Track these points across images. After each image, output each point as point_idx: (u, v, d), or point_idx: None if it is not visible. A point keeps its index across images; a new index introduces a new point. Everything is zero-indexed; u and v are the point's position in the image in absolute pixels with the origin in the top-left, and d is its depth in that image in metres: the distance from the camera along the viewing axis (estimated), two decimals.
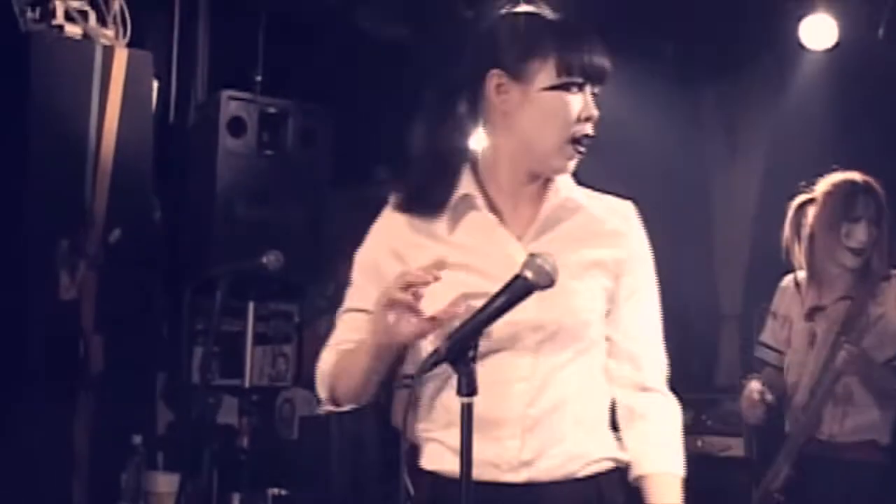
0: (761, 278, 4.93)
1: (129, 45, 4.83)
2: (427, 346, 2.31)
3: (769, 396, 3.90)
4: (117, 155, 4.68)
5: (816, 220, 3.96)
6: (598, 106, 2.30)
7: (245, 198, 5.03)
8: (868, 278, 3.90)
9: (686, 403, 6.04)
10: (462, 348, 2.02)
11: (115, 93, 4.70)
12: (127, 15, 4.86)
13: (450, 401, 2.26)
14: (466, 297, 2.19)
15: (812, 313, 3.97)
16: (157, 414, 5.20)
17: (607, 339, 2.36)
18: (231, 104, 5.05)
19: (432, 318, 2.11)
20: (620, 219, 2.37)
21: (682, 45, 6.13)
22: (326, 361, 2.36)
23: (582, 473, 2.29)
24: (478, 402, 2.03)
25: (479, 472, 2.06)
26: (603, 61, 2.28)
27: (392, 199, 2.36)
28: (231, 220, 4.98)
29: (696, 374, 6.80)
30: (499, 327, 2.09)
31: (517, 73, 2.26)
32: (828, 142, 5.80)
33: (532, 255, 2.06)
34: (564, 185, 2.34)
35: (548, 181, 2.34)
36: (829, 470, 3.87)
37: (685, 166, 6.70)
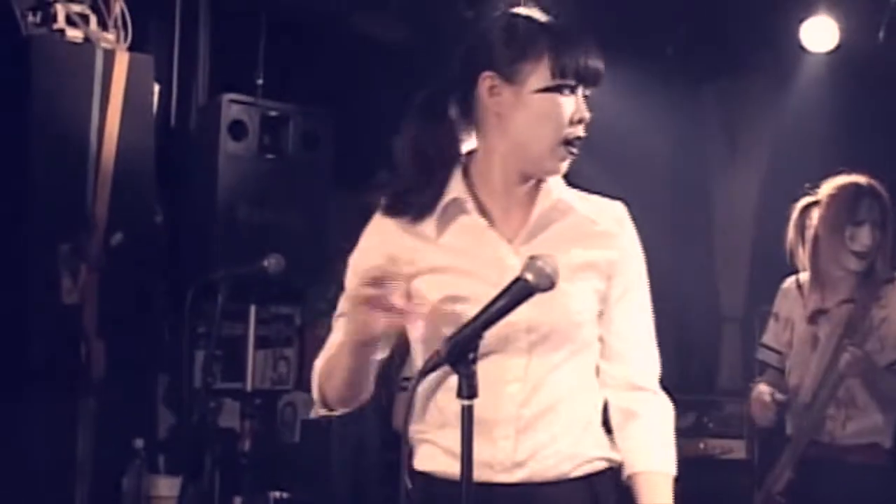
0: (763, 280, 4.93)
1: (130, 49, 4.83)
2: (420, 349, 2.32)
3: (779, 396, 3.89)
4: (118, 158, 4.68)
5: (821, 223, 3.96)
6: (591, 108, 2.30)
7: (246, 201, 5.03)
8: (871, 281, 3.89)
9: (688, 406, 6.09)
10: (462, 350, 2.02)
11: (117, 96, 4.70)
12: (128, 18, 4.86)
13: (443, 402, 2.28)
14: (457, 300, 2.21)
15: (815, 316, 3.96)
16: (158, 417, 5.20)
17: (599, 339, 2.37)
18: (232, 107, 5.05)
19: (399, 311, 2.10)
20: (612, 220, 2.37)
21: (683, 46, 6.13)
22: (317, 364, 2.36)
23: (575, 474, 2.30)
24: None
25: (473, 473, 2.06)
26: (596, 63, 2.28)
27: (381, 203, 2.36)
28: (232, 223, 4.98)
29: (698, 376, 6.80)
30: (492, 329, 2.10)
31: (510, 75, 2.26)
32: (828, 144, 5.81)
33: (532, 258, 2.06)
34: (556, 186, 2.35)
35: (539, 183, 2.34)
36: (831, 473, 3.86)
37: (686, 168, 6.71)
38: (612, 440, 2.37)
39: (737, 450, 5.98)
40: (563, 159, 2.29)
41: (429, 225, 2.31)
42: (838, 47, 5.66)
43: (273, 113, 5.15)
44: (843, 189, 3.95)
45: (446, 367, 2.05)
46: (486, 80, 2.28)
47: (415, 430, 2.34)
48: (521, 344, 2.25)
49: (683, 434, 5.85)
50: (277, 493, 4.87)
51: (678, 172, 6.70)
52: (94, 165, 4.64)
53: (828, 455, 3.87)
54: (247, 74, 5.35)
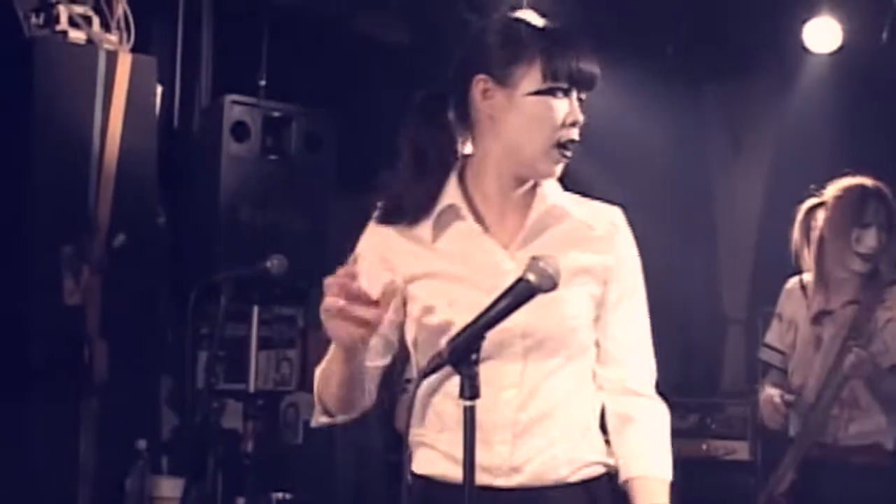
0: (766, 282, 4.92)
1: (132, 50, 4.84)
2: (417, 354, 2.32)
3: (789, 397, 3.89)
4: (121, 160, 4.68)
5: (826, 225, 3.95)
6: (587, 111, 2.30)
7: (249, 202, 5.03)
8: (876, 283, 3.89)
9: (691, 407, 6.09)
10: (464, 351, 2.02)
11: (119, 98, 4.70)
12: (131, 20, 4.86)
13: (441, 406, 2.28)
14: (452, 305, 2.21)
15: (819, 317, 3.96)
16: (161, 418, 5.20)
17: (596, 344, 2.36)
18: (235, 109, 5.06)
19: (366, 323, 2.06)
20: (608, 224, 2.37)
21: (685, 46, 6.13)
22: (316, 372, 2.36)
23: (573, 478, 2.30)
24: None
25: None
26: (590, 67, 2.27)
27: (376, 212, 2.36)
28: (235, 224, 4.99)
29: (701, 377, 6.80)
30: (487, 334, 2.09)
31: (503, 78, 2.26)
32: (831, 145, 5.80)
33: (534, 258, 2.05)
34: (551, 191, 2.34)
35: (535, 187, 2.34)
36: (834, 474, 3.86)
37: (688, 169, 6.71)
38: (609, 444, 2.37)
39: (740, 451, 5.97)
40: (556, 162, 2.28)
41: (424, 230, 2.31)
42: (841, 48, 5.65)
43: (275, 114, 5.16)
44: (848, 191, 3.94)
45: (446, 371, 2.06)
46: (480, 82, 2.28)
47: (413, 433, 2.34)
48: (517, 349, 2.25)
49: (686, 435, 5.92)
50: (280, 494, 4.86)
51: (680, 173, 6.69)
52: (97, 167, 4.64)
53: (831, 456, 3.86)
54: (249, 76, 5.35)
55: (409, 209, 2.32)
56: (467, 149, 2.36)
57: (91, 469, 4.55)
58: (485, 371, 2.12)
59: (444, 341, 2.05)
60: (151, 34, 5.26)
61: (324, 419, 2.38)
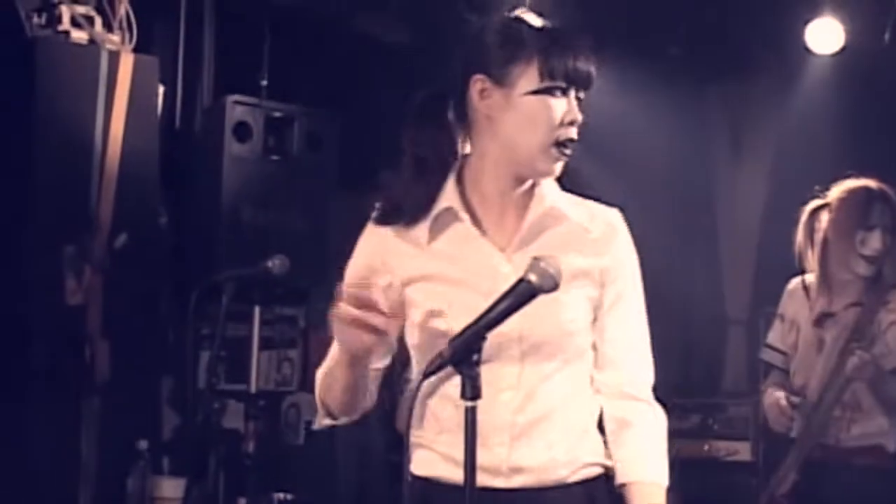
0: (768, 282, 4.92)
1: (134, 51, 4.84)
2: (416, 355, 2.32)
3: (795, 399, 3.89)
4: (123, 160, 4.68)
5: (831, 227, 3.94)
6: (586, 110, 2.29)
7: (251, 202, 5.03)
8: (879, 286, 3.88)
9: (693, 408, 6.09)
10: (466, 352, 2.02)
11: (121, 98, 4.70)
12: (133, 20, 4.86)
13: (439, 408, 2.28)
14: (449, 307, 2.21)
15: (821, 319, 3.95)
16: (162, 419, 5.20)
17: (593, 347, 2.36)
18: (237, 109, 5.06)
19: (376, 331, 2.08)
20: (606, 226, 2.36)
21: (688, 48, 6.13)
22: (318, 374, 2.36)
23: (573, 479, 2.30)
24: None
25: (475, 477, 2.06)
26: (587, 66, 2.27)
27: (374, 213, 2.36)
28: (237, 224, 4.99)
29: (703, 378, 6.80)
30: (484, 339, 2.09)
31: (500, 78, 2.26)
32: (833, 146, 5.80)
33: (536, 258, 2.05)
34: (549, 192, 2.34)
35: (533, 188, 2.33)
36: (836, 475, 3.85)
37: (691, 170, 6.71)
38: (607, 446, 2.37)
39: (742, 451, 5.97)
40: (555, 160, 2.28)
41: (422, 232, 2.31)
42: (843, 49, 5.65)
43: (277, 114, 5.16)
44: (853, 193, 3.94)
45: (446, 372, 2.06)
46: (477, 82, 2.28)
47: (414, 434, 2.33)
48: (514, 352, 2.25)
49: (688, 436, 5.92)
50: (281, 495, 4.86)
51: (682, 173, 6.69)
52: (99, 167, 4.64)
53: (833, 457, 3.86)
54: (251, 76, 5.35)
55: (407, 210, 2.32)
56: (466, 149, 2.36)
57: (92, 469, 4.55)
58: (482, 373, 2.12)
59: (442, 343, 2.05)
60: (153, 34, 5.26)
61: (327, 421, 2.39)
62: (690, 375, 6.74)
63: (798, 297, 4.05)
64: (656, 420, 2.38)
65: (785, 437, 3.99)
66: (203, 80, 5.51)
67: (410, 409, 2.13)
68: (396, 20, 5.87)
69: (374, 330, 2.07)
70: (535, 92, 2.24)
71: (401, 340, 2.34)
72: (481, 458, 2.12)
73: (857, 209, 3.90)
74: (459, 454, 2.04)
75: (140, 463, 4.52)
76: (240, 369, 5.23)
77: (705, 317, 6.82)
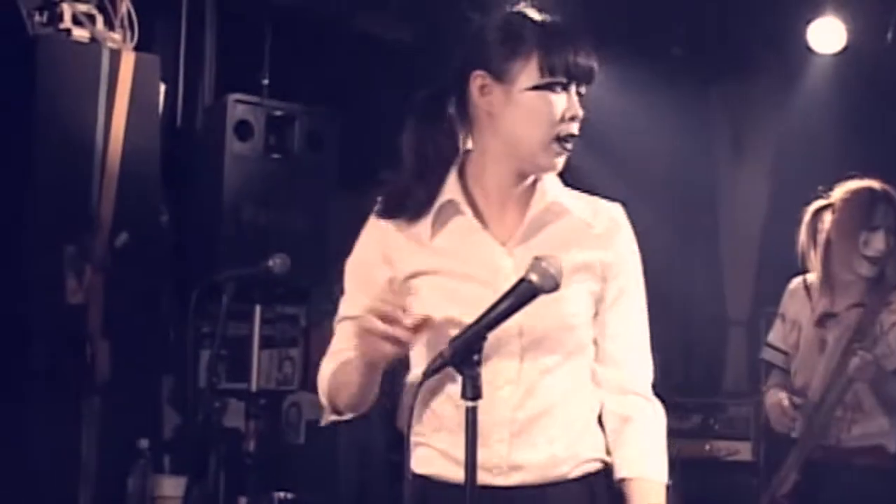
0: (768, 283, 4.93)
1: (136, 49, 4.83)
2: (417, 352, 2.31)
3: (797, 400, 3.88)
4: (124, 159, 4.68)
5: (834, 227, 3.94)
6: (588, 106, 2.29)
7: (252, 201, 5.03)
8: (882, 286, 3.88)
9: (693, 408, 6.09)
10: (466, 352, 2.02)
11: (123, 96, 4.70)
12: (134, 18, 4.86)
13: (439, 406, 2.27)
14: (451, 302, 2.21)
15: (823, 320, 3.95)
16: (163, 418, 5.20)
17: (594, 342, 2.35)
18: (238, 107, 5.05)
19: (398, 342, 2.10)
20: (608, 221, 2.36)
21: (689, 47, 6.12)
22: (325, 372, 2.36)
23: (573, 475, 2.29)
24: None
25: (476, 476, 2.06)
26: (587, 61, 2.26)
27: (376, 206, 2.36)
28: (238, 223, 4.98)
29: (703, 378, 6.80)
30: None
31: (500, 74, 2.26)
32: (835, 146, 5.80)
33: (537, 258, 2.05)
34: (551, 187, 2.34)
35: (535, 183, 2.33)
36: (837, 475, 3.85)
37: (692, 169, 6.70)
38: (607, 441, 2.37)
39: (742, 451, 5.97)
40: (557, 155, 2.28)
41: (423, 226, 2.31)
42: (845, 49, 5.65)
43: (278, 113, 5.15)
44: (857, 194, 3.93)
45: (446, 371, 2.05)
46: (478, 79, 2.28)
47: (414, 432, 2.33)
48: (514, 348, 2.24)
49: (689, 435, 5.92)
50: (282, 494, 4.86)
51: (683, 173, 6.68)
52: (100, 165, 4.63)
53: (834, 458, 3.86)
54: (252, 75, 5.35)
55: (409, 205, 2.32)
56: (468, 145, 2.36)
57: (93, 468, 4.54)
58: (482, 369, 2.12)
59: (445, 338, 2.05)
60: (155, 33, 5.26)
61: (333, 417, 2.40)
62: (691, 375, 6.74)
63: (799, 296, 4.05)
64: (656, 416, 2.38)
65: (786, 437, 3.99)
66: (204, 79, 5.51)
67: (411, 408, 2.12)
68: (397, 19, 5.87)
69: (397, 342, 2.09)
70: (535, 87, 2.23)
71: None
72: (481, 455, 2.11)
73: (861, 210, 3.90)
74: (459, 452, 2.04)
75: (141, 462, 4.51)
76: (241, 368, 5.23)
77: (706, 317, 6.82)
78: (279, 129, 5.17)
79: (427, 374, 2.07)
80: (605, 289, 2.33)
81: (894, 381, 3.81)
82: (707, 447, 5.95)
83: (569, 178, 2.38)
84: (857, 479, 3.83)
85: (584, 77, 2.27)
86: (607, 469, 2.34)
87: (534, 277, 2.03)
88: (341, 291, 2.38)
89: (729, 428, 6.02)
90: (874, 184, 3.93)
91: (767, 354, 4.15)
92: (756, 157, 6.72)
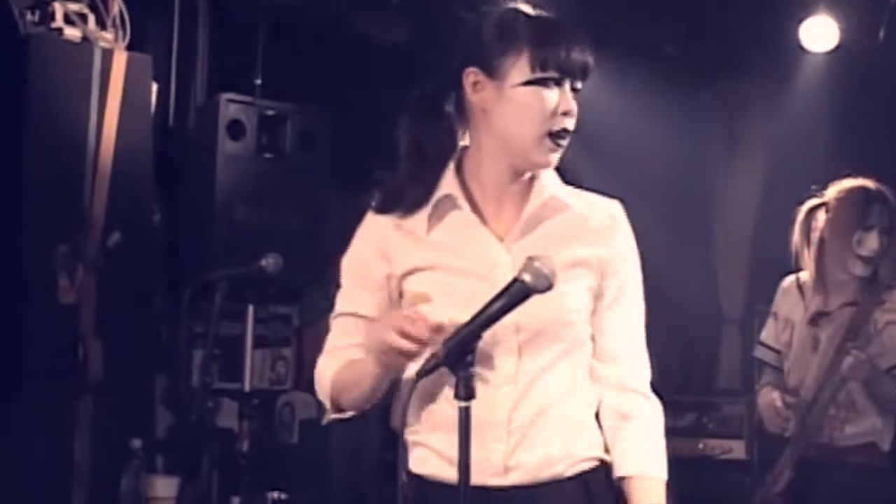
0: (762, 281, 4.92)
1: (128, 48, 4.82)
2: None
3: (790, 399, 3.88)
4: (116, 158, 4.67)
5: (828, 227, 3.94)
6: (580, 102, 2.28)
7: (244, 201, 5.02)
8: (875, 286, 3.88)
9: (687, 406, 6.10)
10: (460, 352, 2.02)
11: (115, 96, 4.69)
12: (126, 18, 4.85)
13: (434, 405, 2.27)
14: (448, 298, 2.20)
15: (816, 318, 3.95)
16: (156, 417, 5.19)
17: (592, 338, 2.35)
18: (230, 107, 5.05)
19: (417, 353, 2.11)
20: (606, 217, 2.36)
21: (683, 47, 6.12)
22: (327, 370, 2.35)
23: (569, 473, 2.29)
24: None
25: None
26: (580, 56, 2.25)
27: (373, 201, 2.36)
28: (230, 222, 4.98)
29: (697, 376, 6.80)
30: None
31: (492, 70, 2.25)
32: (828, 144, 5.80)
33: (530, 258, 2.05)
34: (549, 183, 2.33)
35: (532, 179, 2.33)
36: (830, 474, 3.85)
37: (685, 168, 6.70)
38: (604, 436, 2.37)
39: (736, 450, 5.97)
40: (550, 151, 2.27)
41: (420, 221, 2.30)
42: (838, 47, 5.65)
43: (271, 112, 5.15)
44: (851, 193, 3.93)
45: (441, 370, 2.05)
46: (470, 75, 2.28)
47: (409, 431, 2.33)
48: (511, 344, 2.23)
49: (682, 434, 5.91)
50: (275, 494, 4.86)
51: (677, 172, 6.68)
52: (92, 165, 4.63)
53: (827, 456, 3.86)
54: (245, 74, 5.35)
55: (406, 200, 2.31)
56: (466, 141, 2.36)
57: (86, 468, 4.54)
58: (479, 367, 2.11)
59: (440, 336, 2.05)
60: (147, 32, 5.25)
61: (335, 415, 2.40)
62: (685, 374, 6.74)
63: (792, 295, 4.05)
64: (655, 414, 2.38)
65: (779, 435, 3.99)
66: (196, 78, 5.50)
67: (404, 408, 2.12)
68: (391, 19, 5.86)
69: (416, 353, 2.10)
70: (527, 83, 2.23)
71: None
72: (477, 456, 2.11)
73: (855, 209, 3.89)
74: (454, 452, 2.03)
75: (134, 462, 4.51)
76: (233, 368, 5.22)
77: (700, 315, 6.82)
78: (271, 129, 5.17)
79: (420, 375, 2.07)
80: (603, 286, 2.33)
81: (888, 380, 3.81)
82: (700, 445, 5.95)
83: (561, 177, 2.38)
84: (850, 478, 3.83)
85: (577, 73, 2.26)
86: (604, 466, 2.34)
87: (527, 277, 2.03)
88: (338, 287, 2.38)
89: (722, 426, 6.01)
90: (868, 183, 3.93)
91: (760, 353, 4.15)
92: (750, 155, 6.72)
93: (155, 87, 4.96)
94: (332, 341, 2.37)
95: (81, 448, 4.54)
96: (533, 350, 2.25)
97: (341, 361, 2.32)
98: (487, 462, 2.22)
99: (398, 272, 2.30)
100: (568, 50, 2.23)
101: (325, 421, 2.42)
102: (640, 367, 2.38)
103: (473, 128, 2.32)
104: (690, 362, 6.87)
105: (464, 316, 2.07)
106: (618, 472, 2.33)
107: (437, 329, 2.11)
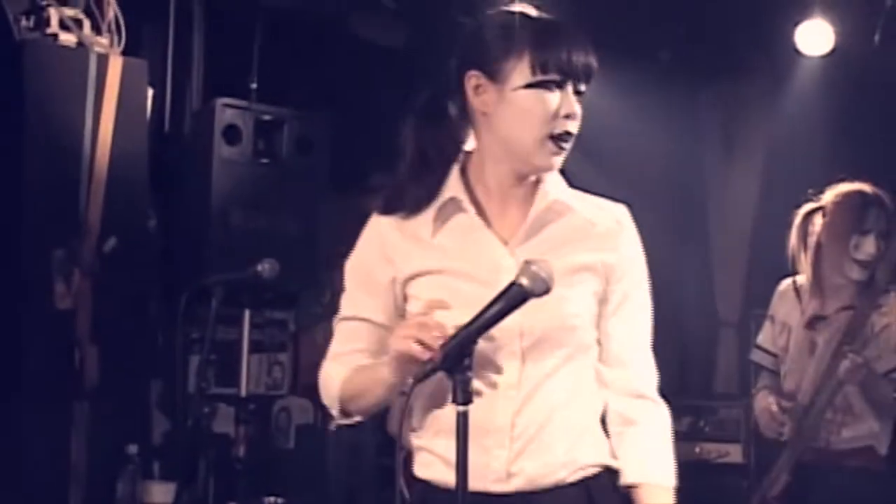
0: (759, 284, 4.93)
1: (123, 53, 4.82)
2: None
3: (786, 404, 3.88)
4: (112, 163, 4.66)
5: (825, 231, 3.94)
6: (582, 105, 2.27)
7: (240, 206, 5.01)
8: (871, 290, 3.88)
9: (684, 410, 6.10)
10: (458, 357, 2.01)
11: (110, 101, 4.68)
12: (122, 23, 4.84)
13: (439, 410, 2.26)
14: (452, 301, 2.19)
15: (813, 322, 3.95)
16: (152, 423, 5.18)
17: (599, 343, 2.34)
18: (226, 112, 5.04)
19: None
20: (611, 221, 2.35)
21: (678, 50, 6.13)
22: (335, 375, 2.34)
23: (571, 480, 2.28)
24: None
25: (468, 482, 2.05)
26: (582, 58, 2.24)
27: (377, 203, 2.35)
28: (226, 228, 4.97)
29: (694, 380, 6.80)
30: (484, 335, 2.08)
31: (493, 73, 2.24)
32: (824, 148, 5.81)
33: (527, 262, 2.04)
34: (554, 186, 2.33)
35: (537, 183, 2.32)
36: (827, 477, 3.86)
37: (682, 172, 6.71)
38: (609, 442, 2.36)
39: (733, 453, 5.97)
40: (553, 154, 2.26)
41: (425, 225, 2.30)
42: (833, 51, 5.65)
43: (267, 117, 5.14)
44: (848, 197, 3.93)
45: (442, 374, 2.05)
46: (472, 79, 2.27)
47: (412, 436, 2.33)
48: (514, 349, 2.23)
49: (679, 438, 5.81)
50: (272, 499, 4.85)
51: (673, 175, 6.69)
52: (88, 170, 4.62)
53: (824, 460, 3.86)
54: (241, 78, 5.34)
55: (409, 200, 2.31)
56: (469, 145, 2.35)
57: (82, 474, 4.53)
58: (482, 373, 2.11)
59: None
60: (142, 37, 5.25)
61: (343, 420, 2.39)
62: (681, 377, 6.73)
63: (789, 298, 4.05)
64: (661, 419, 2.37)
65: (776, 439, 3.99)
66: (192, 83, 5.50)
67: (403, 413, 2.11)
68: (388, 22, 5.86)
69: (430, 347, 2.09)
70: (528, 86, 2.22)
71: None
72: (479, 461, 2.12)
73: (852, 214, 3.90)
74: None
75: (130, 467, 4.50)
76: (230, 373, 5.22)
77: (696, 318, 6.82)
78: (268, 134, 5.16)
79: (418, 379, 2.06)
80: (608, 290, 2.32)
81: (885, 384, 3.81)
82: (697, 449, 5.95)
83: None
84: (847, 482, 3.83)
85: (579, 75, 2.24)
86: (608, 473, 2.33)
87: (524, 281, 2.03)
88: (341, 291, 2.38)
89: (719, 430, 6.01)
90: (865, 187, 3.93)
91: (756, 356, 4.15)
92: (746, 158, 6.72)
93: (151, 91, 4.96)
94: (336, 346, 2.37)
95: (78, 453, 4.53)
96: (536, 355, 2.24)
97: (349, 367, 2.32)
98: (489, 468, 2.22)
99: (402, 276, 2.29)
100: (569, 52, 2.22)
101: (333, 425, 2.41)
102: (646, 372, 2.38)
103: (476, 131, 2.32)
104: (687, 365, 6.86)
105: (467, 320, 2.06)
106: (625, 479, 2.33)
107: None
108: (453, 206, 2.29)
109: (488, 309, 2.03)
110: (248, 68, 5.39)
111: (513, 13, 2.29)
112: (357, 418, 2.37)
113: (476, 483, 2.07)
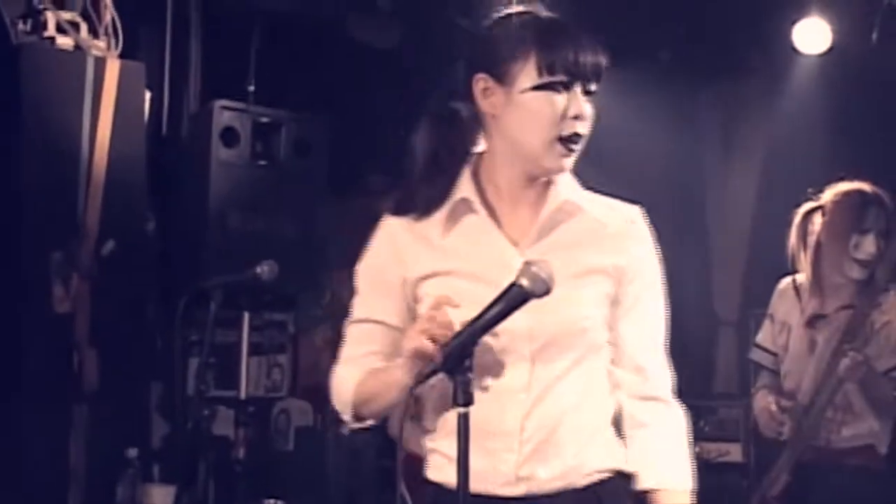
0: (758, 284, 4.93)
1: (121, 56, 4.81)
2: None
3: (786, 403, 3.88)
4: (110, 166, 4.66)
5: (824, 230, 3.94)
6: (592, 105, 2.26)
7: (238, 208, 5.01)
8: (871, 288, 3.88)
9: (683, 409, 6.04)
10: (459, 358, 2.01)
11: (108, 104, 4.68)
12: (119, 26, 4.84)
13: (451, 412, 2.24)
14: (461, 302, 2.16)
15: (813, 321, 3.95)
16: (152, 426, 5.18)
17: (612, 345, 2.33)
18: (224, 114, 5.04)
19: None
20: (624, 222, 2.33)
21: (676, 50, 6.12)
22: (348, 379, 2.33)
23: (580, 484, 2.26)
24: (476, 413, 2.02)
25: (476, 485, 2.05)
26: (590, 58, 2.23)
27: (389, 204, 2.35)
28: (224, 230, 4.97)
29: (693, 379, 6.78)
30: (494, 337, 2.07)
31: (500, 76, 2.24)
32: (822, 146, 5.81)
33: (528, 263, 2.04)
34: (565, 187, 2.31)
35: (548, 184, 2.30)
36: (827, 476, 3.85)
37: (681, 172, 6.71)
38: (622, 445, 2.34)
39: (733, 453, 5.97)
40: (562, 156, 2.24)
41: (435, 225, 2.29)
42: (831, 49, 5.65)
43: (265, 119, 5.13)
44: (848, 196, 3.93)
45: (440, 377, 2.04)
46: (480, 82, 2.26)
47: (427, 438, 2.32)
48: (524, 352, 2.21)
49: None
50: (272, 501, 4.84)
51: (672, 175, 6.69)
52: (86, 173, 4.61)
53: (824, 459, 3.86)
54: (238, 81, 5.34)
55: (421, 201, 2.30)
56: (480, 147, 2.34)
57: (82, 477, 4.52)
58: (492, 376, 2.10)
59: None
60: (139, 40, 5.25)
61: (356, 424, 2.38)
62: (681, 376, 6.71)
63: (788, 297, 4.05)
64: (675, 421, 2.37)
65: (776, 439, 3.99)
66: (190, 86, 5.49)
67: (403, 415, 2.11)
68: (385, 25, 5.85)
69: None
70: (536, 88, 2.21)
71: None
72: (487, 465, 2.11)
73: (852, 213, 3.89)
74: (471, 460, 2.01)
75: (129, 470, 4.50)
76: (229, 376, 5.21)
77: (696, 318, 6.82)
78: (265, 136, 5.16)
79: (418, 380, 2.05)
80: (620, 292, 2.31)
81: (885, 382, 3.81)
82: (697, 449, 5.91)
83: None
84: (847, 481, 3.83)
85: (587, 75, 2.23)
86: (620, 477, 2.31)
87: (524, 282, 2.02)
88: (342, 292, 2.37)
89: (719, 429, 6.02)
90: (865, 186, 3.92)
91: (756, 355, 4.14)
92: (744, 157, 6.73)
93: (148, 94, 4.96)
94: (349, 349, 2.35)
95: (77, 457, 4.52)
96: (546, 358, 2.22)
97: (362, 371, 2.30)
98: (498, 472, 2.21)
99: (412, 277, 2.28)
100: (576, 52, 2.21)
101: (345, 430, 2.40)
102: (659, 373, 2.36)
103: (487, 133, 2.31)
104: (686, 365, 6.84)
105: None
106: (640, 484, 2.32)
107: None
108: (464, 207, 2.28)
109: (489, 310, 2.03)
110: (246, 71, 5.39)
111: (519, 14, 2.28)
112: (369, 422, 2.36)
113: (485, 487, 2.06)
